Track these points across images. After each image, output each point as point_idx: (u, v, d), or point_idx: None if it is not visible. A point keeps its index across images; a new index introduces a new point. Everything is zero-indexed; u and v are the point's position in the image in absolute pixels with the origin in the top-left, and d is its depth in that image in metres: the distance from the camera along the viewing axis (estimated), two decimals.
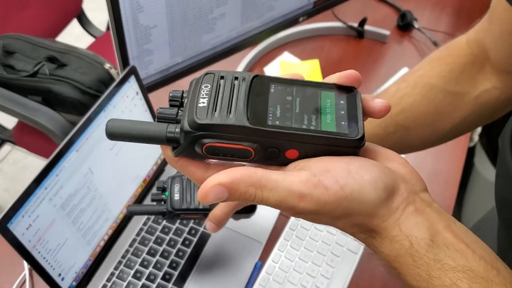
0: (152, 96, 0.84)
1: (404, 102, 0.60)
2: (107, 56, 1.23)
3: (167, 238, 0.82)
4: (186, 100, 0.34)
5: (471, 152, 1.33)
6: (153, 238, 0.82)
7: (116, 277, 0.78)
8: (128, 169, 0.80)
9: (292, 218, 0.86)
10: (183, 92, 0.35)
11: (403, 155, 0.37)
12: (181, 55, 0.86)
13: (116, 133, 0.33)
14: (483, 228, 0.79)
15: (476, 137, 1.20)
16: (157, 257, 0.80)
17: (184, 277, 0.78)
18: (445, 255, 0.31)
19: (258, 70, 1.10)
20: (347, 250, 0.84)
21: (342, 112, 0.33)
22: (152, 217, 0.84)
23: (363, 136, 0.32)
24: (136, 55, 0.80)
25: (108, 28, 1.73)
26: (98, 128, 0.72)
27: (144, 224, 0.83)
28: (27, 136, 1.33)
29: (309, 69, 1.11)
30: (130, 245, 0.81)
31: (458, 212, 1.39)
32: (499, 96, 0.59)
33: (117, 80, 0.74)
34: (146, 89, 0.83)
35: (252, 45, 1.01)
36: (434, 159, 0.98)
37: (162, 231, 0.82)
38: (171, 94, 0.35)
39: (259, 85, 0.34)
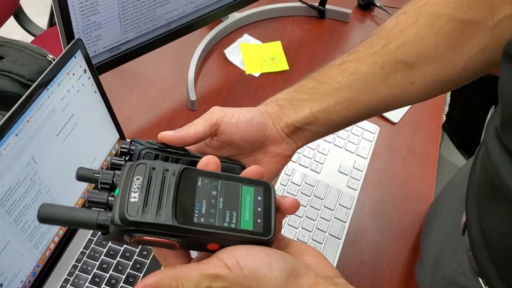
0: (102, 79, 0.74)
1: (405, 35, 0.51)
2: (50, 51, 1.11)
3: None
4: (117, 185, 0.36)
5: None
6: None
7: (71, 285, 0.67)
8: (78, 159, 0.70)
9: None
10: (113, 175, 0.37)
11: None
12: (134, 31, 0.77)
13: (48, 218, 0.35)
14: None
15: (444, 117, 1.17)
16: (118, 258, 0.70)
17: None
18: None
19: (219, 52, 1.02)
20: (329, 235, 0.77)
21: (259, 209, 0.38)
22: None
23: (274, 235, 0.37)
24: (83, 29, 0.70)
25: (50, 25, 1.60)
26: (40, 109, 0.61)
27: None
28: None
29: (272, 51, 1.04)
30: (85, 247, 0.70)
31: None
32: None
33: (61, 54, 0.64)
34: (96, 70, 0.73)
35: (210, 23, 0.93)
36: (411, 137, 0.93)
37: None
38: (102, 179, 0.37)
39: (187, 179, 0.37)
